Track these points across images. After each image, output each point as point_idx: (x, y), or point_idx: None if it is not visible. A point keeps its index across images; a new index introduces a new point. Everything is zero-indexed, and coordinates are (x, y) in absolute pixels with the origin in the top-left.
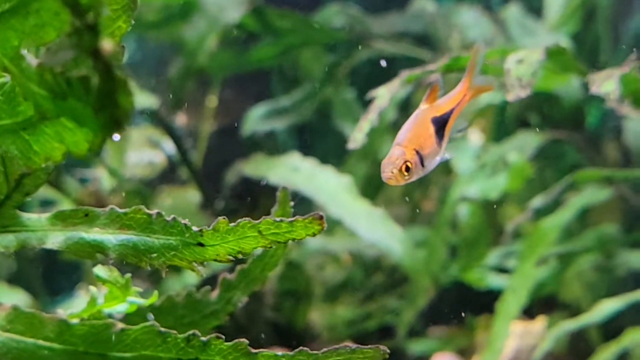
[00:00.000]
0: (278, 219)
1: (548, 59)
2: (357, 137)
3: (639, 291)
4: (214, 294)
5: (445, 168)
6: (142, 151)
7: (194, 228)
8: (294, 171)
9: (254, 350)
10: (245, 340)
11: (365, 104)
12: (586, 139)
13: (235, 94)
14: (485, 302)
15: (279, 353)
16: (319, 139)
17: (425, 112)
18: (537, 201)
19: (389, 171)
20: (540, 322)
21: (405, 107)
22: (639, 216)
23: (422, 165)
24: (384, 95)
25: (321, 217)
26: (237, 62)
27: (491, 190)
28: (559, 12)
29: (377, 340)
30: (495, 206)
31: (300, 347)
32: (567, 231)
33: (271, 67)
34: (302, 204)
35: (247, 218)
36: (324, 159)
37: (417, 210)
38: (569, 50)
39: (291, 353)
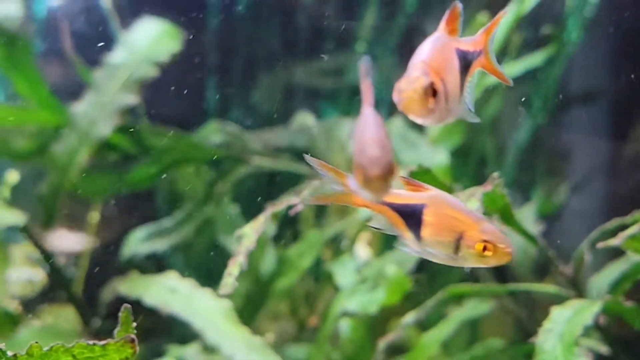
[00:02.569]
0: (91, 342)
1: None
2: (227, 282)
3: None
4: None
5: (332, 283)
6: (21, 269)
7: (9, 353)
8: (171, 292)
9: None
10: None
11: (249, 218)
12: None
13: (118, 211)
14: None
15: None
16: (202, 258)
17: (448, 40)
18: (410, 317)
19: (409, 91)
20: None
21: (292, 221)
22: (522, 328)
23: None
24: (250, 235)
25: (132, 341)
26: (115, 185)
27: (370, 304)
28: (440, 125)
29: None
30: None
31: None
32: (455, 346)
33: (152, 185)
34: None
35: (60, 342)
36: (208, 277)
37: (303, 326)
38: (431, 170)
39: None
